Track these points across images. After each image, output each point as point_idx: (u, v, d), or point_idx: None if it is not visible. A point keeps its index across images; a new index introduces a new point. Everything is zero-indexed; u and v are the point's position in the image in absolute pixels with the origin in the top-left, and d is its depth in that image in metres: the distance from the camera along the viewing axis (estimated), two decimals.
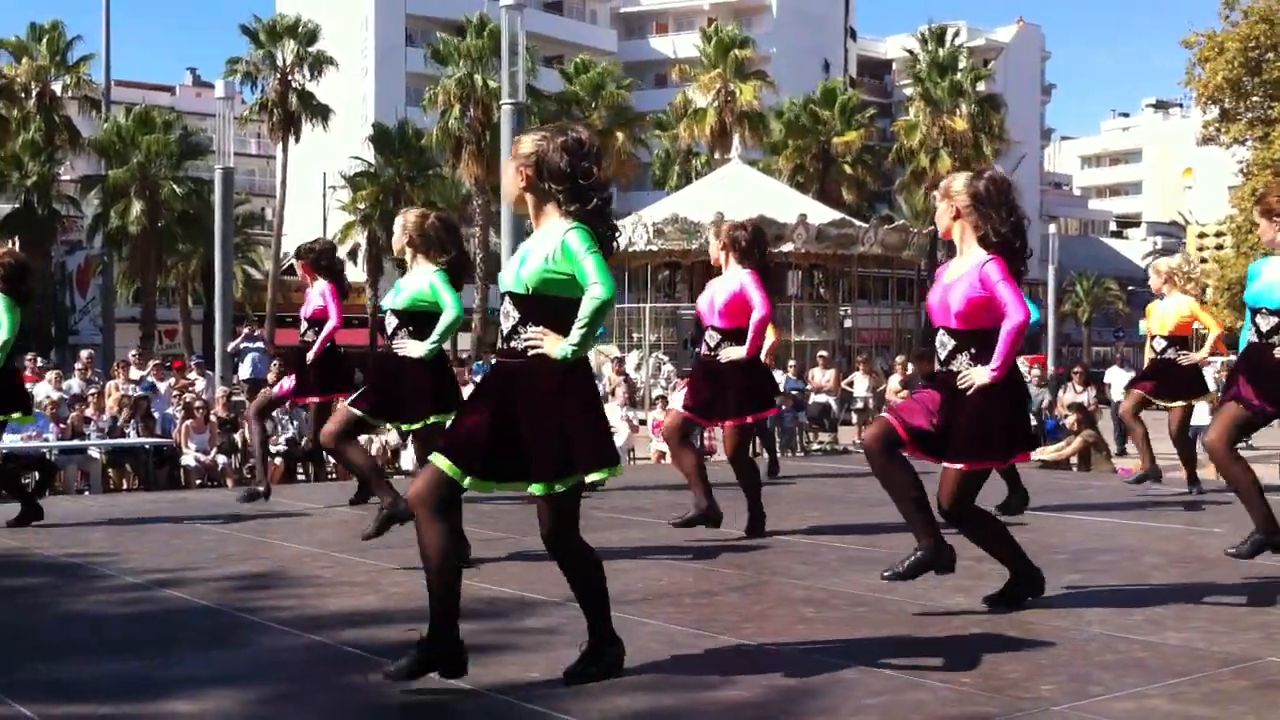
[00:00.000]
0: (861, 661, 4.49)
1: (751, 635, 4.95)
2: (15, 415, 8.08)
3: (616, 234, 4.31)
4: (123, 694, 4.18)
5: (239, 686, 4.24)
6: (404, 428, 7.58)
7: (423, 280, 6.71)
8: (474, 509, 8.82)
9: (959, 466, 5.11)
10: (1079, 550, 7.00)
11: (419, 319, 6.70)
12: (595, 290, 4.06)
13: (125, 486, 15.15)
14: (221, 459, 15.56)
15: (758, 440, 13.10)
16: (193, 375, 20.10)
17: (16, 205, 44.54)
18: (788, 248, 29.44)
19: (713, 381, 7.43)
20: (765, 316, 7.29)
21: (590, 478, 4.21)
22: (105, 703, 4.09)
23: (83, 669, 4.53)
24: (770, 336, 7.79)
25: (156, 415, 16.20)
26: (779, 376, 20.16)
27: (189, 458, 15.37)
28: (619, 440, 17.24)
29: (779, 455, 13.04)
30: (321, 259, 8.67)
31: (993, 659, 4.51)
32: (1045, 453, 14.63)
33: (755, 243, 7.44)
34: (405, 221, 6.82)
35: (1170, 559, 6.71)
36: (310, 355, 8.49)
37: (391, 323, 6.81)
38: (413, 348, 6.67)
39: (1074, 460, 14.28)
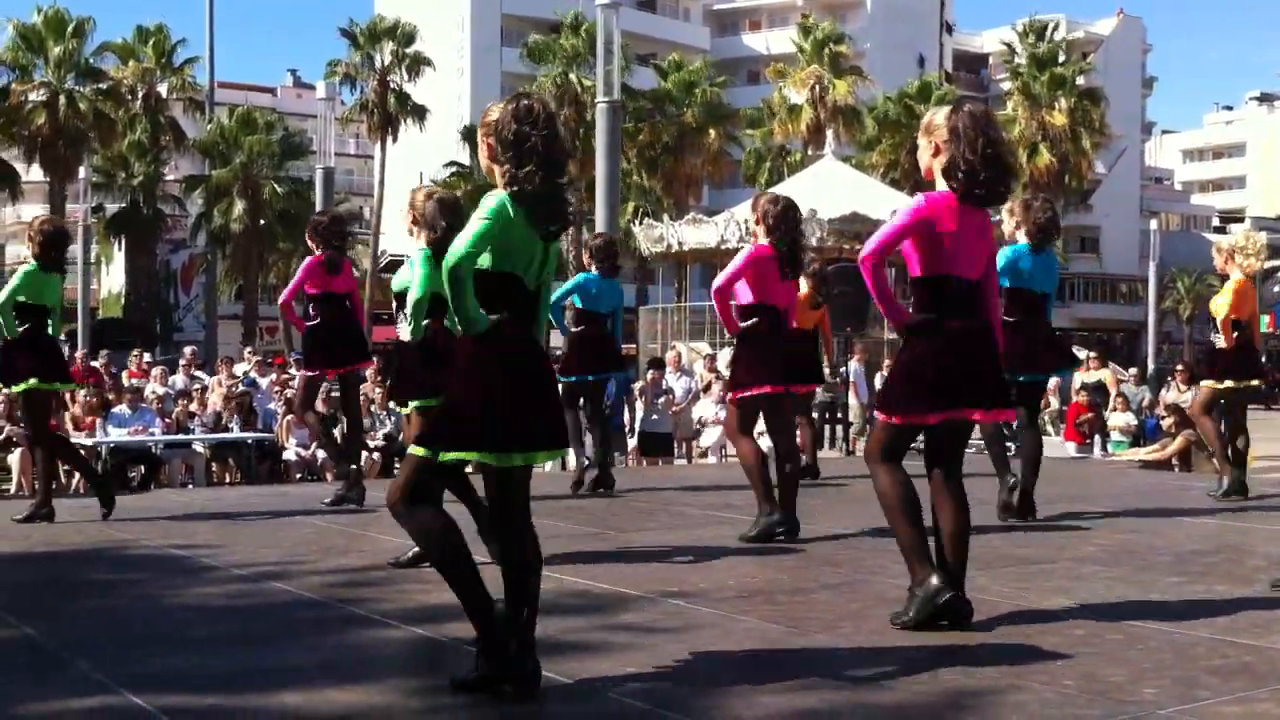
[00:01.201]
0: (960, 662, 4.45)
1: (848, 634, 4.93)
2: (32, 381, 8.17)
3: (565, 209, 4.12)
4: (232, 685, 4.27)
5: (345, 679, 4.31)
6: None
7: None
8: (562, 505, 8.90)
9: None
10: (1182, 552, 6.88)
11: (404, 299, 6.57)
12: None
13: (228, 480, 15.47)
14: (321, 454, 15.80)
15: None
16: (292, 371, 20.46)
17: (123, 205, 45.64)
18: None
19: None
20: (716, 291, 7.21)
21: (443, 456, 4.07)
22: (215, 693, 4.18)
23: (193, 660, 4.63)
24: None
25: (258, 410, 16.52)
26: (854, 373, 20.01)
27: (290, 452, 15.64)
28: (711, 438, 17.22)
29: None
30: (319, 228, 8.66)
31: (1094, 661, 4.46)
32: (1145, 453, 14.40)
33: (782, 218, 7.15)
34: (412, 200, 6.70)
35: (1275, 561, 6.56)
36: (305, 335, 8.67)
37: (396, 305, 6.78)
38: (401, 329, 6.59)
39: (1175, 461, 14.02)
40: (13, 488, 14.23)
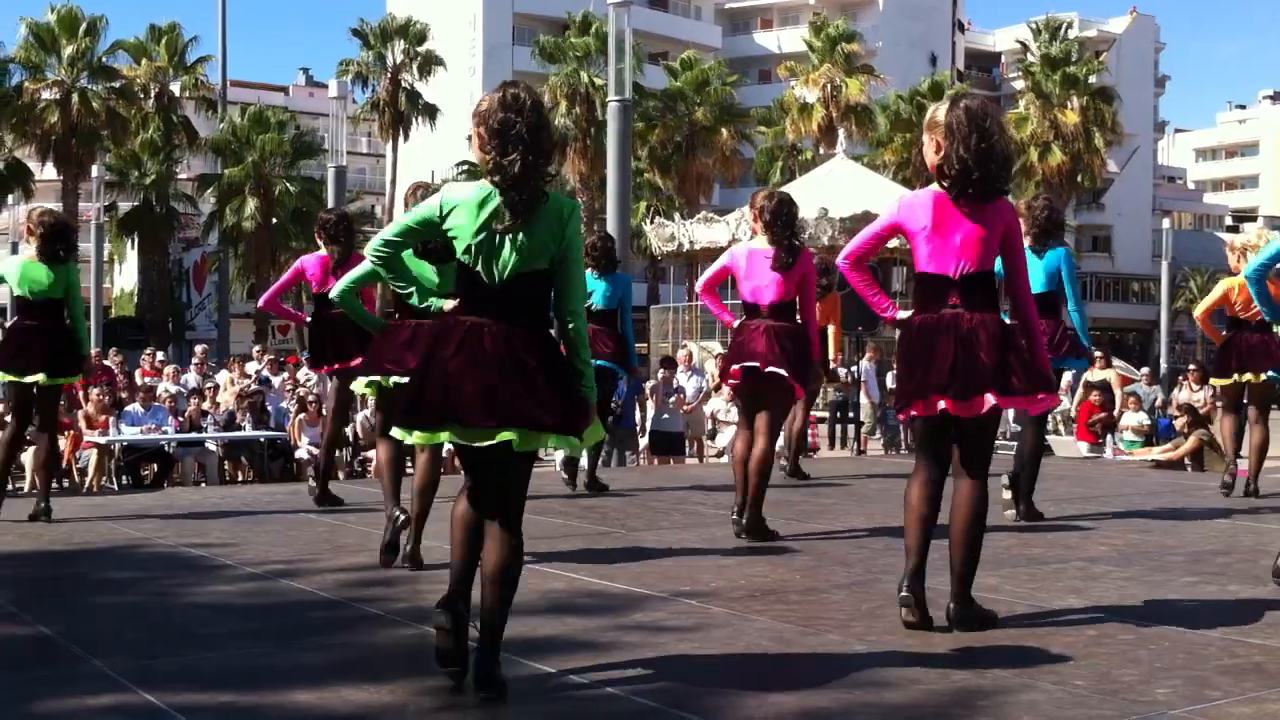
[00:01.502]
0: (972, 662, 4.46)
1: (860, 634, 4.93)
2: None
3: (537, 196, 4.05)
4: (246, 683, 4.29)
5: (358, 677, 4.32)
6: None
7: None
8: (576, 504, 8.91)
9: None
10: (1195, 552, 6.87)
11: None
12: None
13: (240, 478, 15.52)
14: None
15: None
16: (303, 371, 20.51)
17: (136, 203, 45.74)
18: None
19: None
20: (700, 289, 7.63)
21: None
22: (229, 691, 4.19)
23: (207, 658, 4.65)
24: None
25: (270, 409, 16.56)
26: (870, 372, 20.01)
27: (302, 450, 15.67)
28: (726, 437, 17.21)
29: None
30: (326, 225, 8.64)
31: (1106, 661, 4.46)
32: (1158, 453, 14.37)
33: (776, 215, 7.22)
34: (407, 199, 6.77)
35: None
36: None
37: None
38: None
39: (1188, 461, 13.99)
40: (26, 485, 14.28)
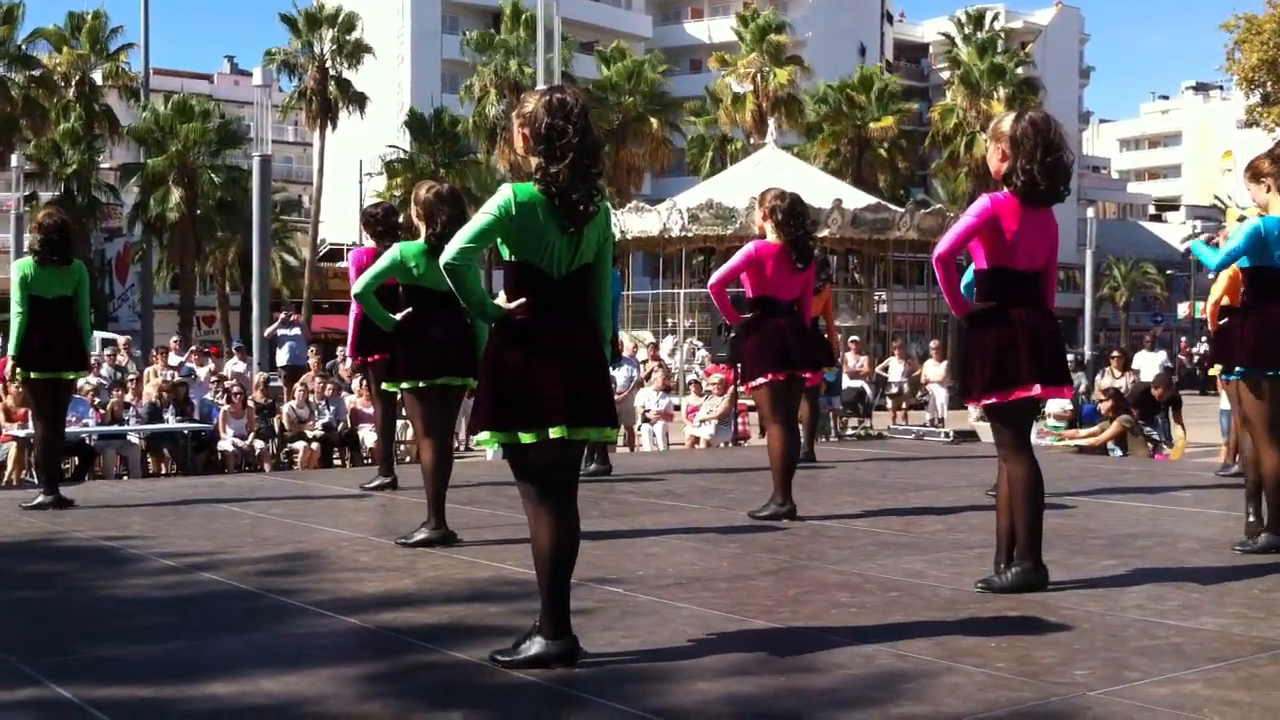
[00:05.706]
0: (896, 646, 4.48)
1: (786, 620, 4.94)
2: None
3: (592, 199, 4.16)
4: (161, 676, 4.21)
5: (277, 669, 4.27)
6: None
7: None
8: (503, 493, 8.86)
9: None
10: (1116, 535, 6.96)
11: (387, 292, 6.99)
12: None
13: (164, 471, 15.28)
14: (259, 444, 15.66)
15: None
16: (233, 361, 20.25)
17: (57, 193, 44.89)
18: (823, 233, 29.25)
19: None
20: (712, 286, 7.63)
21: (479, 441, 4.25)
22: (144, 685, 4.12)
23: (121, 651, 4.57)
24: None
25: (195, 401, 16.33)
26: None
27: (226, 442, 15.48)
28: (652, 427, 17.21)
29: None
30: (375, 219, 8.71)
31: (1027, 644, 4.50)
32: (1081, 437, 14.55)
33: (790, 213, 7.51)
34: (415, 195, 6.88)
35: (1206, 544, 6.67)
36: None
37: None
38: None
39: (1111, 445, 14.17)
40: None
